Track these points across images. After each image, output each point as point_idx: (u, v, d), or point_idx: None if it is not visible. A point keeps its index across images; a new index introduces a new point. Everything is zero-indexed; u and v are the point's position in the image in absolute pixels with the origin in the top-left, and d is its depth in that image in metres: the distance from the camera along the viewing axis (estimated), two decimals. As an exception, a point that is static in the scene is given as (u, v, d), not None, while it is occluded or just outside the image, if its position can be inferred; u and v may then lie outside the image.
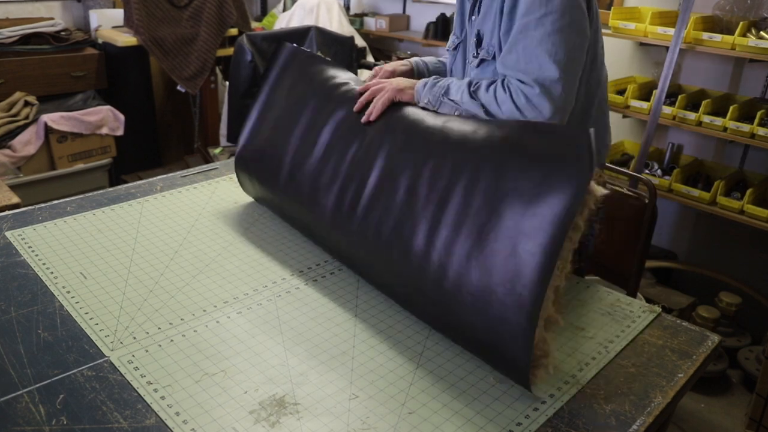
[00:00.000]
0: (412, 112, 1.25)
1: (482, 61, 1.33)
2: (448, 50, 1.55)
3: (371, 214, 1.15)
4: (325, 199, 1.25)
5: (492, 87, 1.22)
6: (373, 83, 1.33)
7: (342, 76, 1.43)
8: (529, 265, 0.88)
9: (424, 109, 1.27)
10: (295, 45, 1.55)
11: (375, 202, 1.15)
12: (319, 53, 1.50)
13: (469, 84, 1.25)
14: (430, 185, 1.06)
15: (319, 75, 1.45)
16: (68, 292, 1.19)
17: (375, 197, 1.15)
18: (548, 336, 0.94)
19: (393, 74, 1.47)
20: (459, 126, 1.12)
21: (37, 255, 1.32)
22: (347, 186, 1.21)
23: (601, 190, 0.92)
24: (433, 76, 1.33)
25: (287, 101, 1.44)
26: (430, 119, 1.19)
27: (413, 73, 1.52)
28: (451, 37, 1.52)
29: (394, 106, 1.28)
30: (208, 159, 3.58)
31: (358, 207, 1.18)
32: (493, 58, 1.30)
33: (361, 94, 1.32)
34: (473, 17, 1.37)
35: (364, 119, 1.26)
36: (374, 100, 1.28)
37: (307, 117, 1.36)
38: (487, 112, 1.22)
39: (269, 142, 1.43)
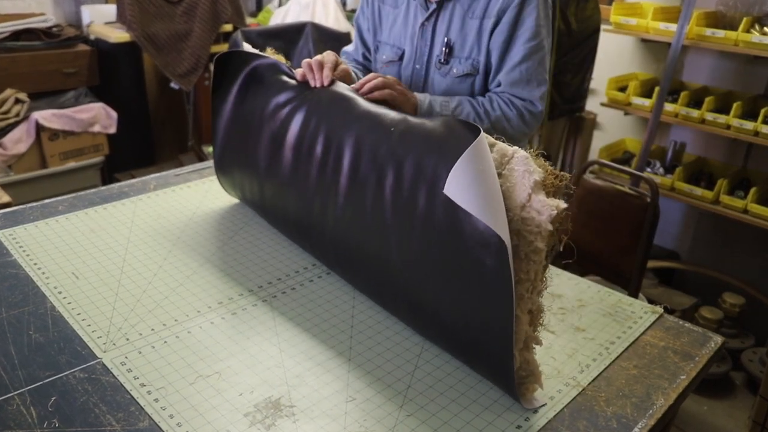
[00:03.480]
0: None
1: (466, 75, 1.40)
2: (381, 63, 1.53)
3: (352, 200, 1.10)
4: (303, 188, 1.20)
5: (500, 106, 1.37)
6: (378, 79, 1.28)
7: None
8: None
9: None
10: (224, 52, 1.41)
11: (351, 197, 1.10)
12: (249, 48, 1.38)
13: (473, 105, 1.36)
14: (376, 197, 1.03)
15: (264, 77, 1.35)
16: (60, 292, 1.18)
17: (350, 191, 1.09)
18: (529, 356, 0.92)
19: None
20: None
21: (28, 255, 1.30)
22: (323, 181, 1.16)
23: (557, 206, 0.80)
24: (441, 98, 1.36)
25: (246, 107, 1.36)
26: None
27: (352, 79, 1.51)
28: (388, 50, 1.49)
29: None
30: (202, 157, 3.56)
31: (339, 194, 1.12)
32: (477, 71, 1.40)
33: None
34: (426, 23, 1.39)
35: (362, 89, 1.23)
36: (380, 87, 1.24)
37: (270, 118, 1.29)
38: (494, 128, 1.36)
39: (240, 152, 1.37)
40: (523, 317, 0.85)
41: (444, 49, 1.38)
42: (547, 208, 0.78)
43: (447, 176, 0.83)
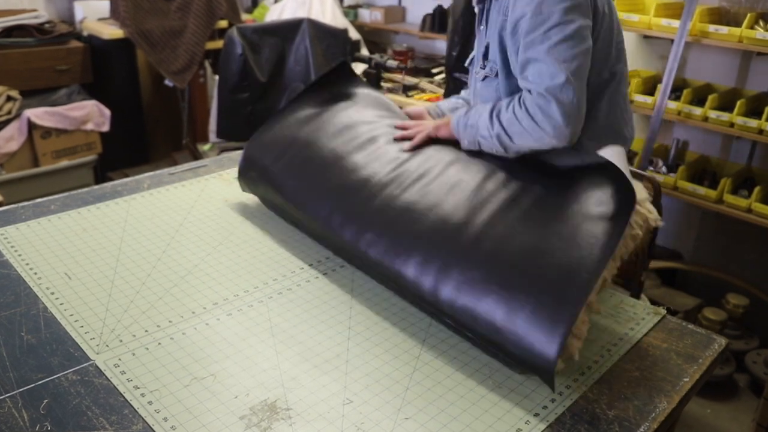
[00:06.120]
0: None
1: (485, 77, 1.37)
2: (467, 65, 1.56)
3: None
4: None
5: (510, 107, 1.25)
6: (412, 123, 1.43)
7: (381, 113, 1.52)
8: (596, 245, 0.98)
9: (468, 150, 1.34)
10: (351, 71, 1.61)
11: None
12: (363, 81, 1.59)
13: (491, 111, 1.29)
14: (502, 184, 1.18)
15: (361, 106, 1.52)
16: (52, 293, 1.16)
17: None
18: (584, 317, 0.95)
19: (422, 116, 1.54)
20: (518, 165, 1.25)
21: (20, 255, 1.28)
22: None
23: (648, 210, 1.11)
24: (463, 111, 1.35)
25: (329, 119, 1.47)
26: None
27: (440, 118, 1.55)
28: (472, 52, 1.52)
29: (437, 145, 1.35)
30: (196, 156, 3.54)
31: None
32: (496, 75, 1.33)
33: (399, 129, 1.42)
34: (481, 27, 1.39)
35: (406, 147, 1.34)
36: (414, 134, 1.37)
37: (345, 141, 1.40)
38: (507, 133, 1.25)
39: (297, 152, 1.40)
40: (599, 280, 0.97)
41: (483, 50, 1.36)
42: (654, 212, 1.13)
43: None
